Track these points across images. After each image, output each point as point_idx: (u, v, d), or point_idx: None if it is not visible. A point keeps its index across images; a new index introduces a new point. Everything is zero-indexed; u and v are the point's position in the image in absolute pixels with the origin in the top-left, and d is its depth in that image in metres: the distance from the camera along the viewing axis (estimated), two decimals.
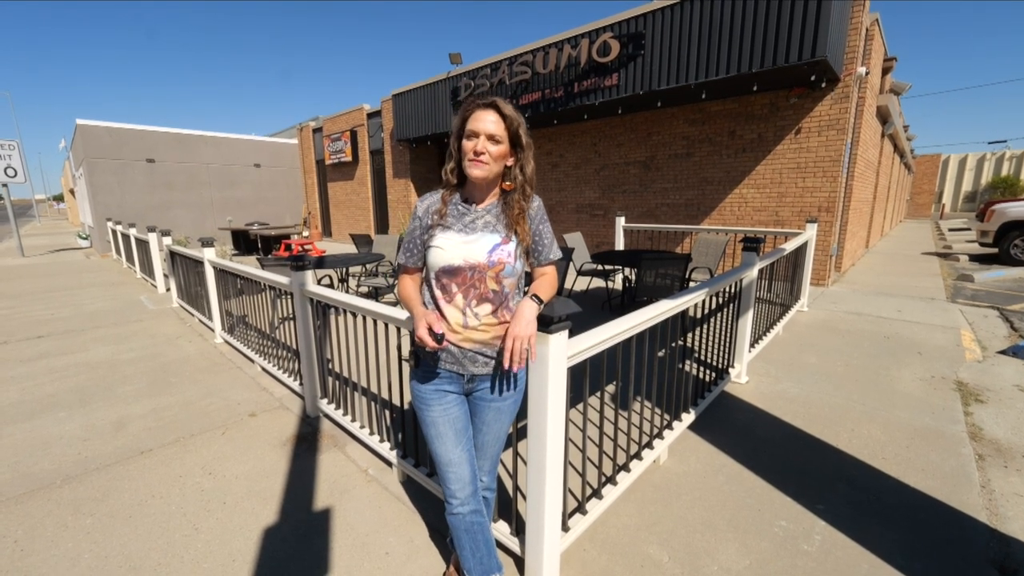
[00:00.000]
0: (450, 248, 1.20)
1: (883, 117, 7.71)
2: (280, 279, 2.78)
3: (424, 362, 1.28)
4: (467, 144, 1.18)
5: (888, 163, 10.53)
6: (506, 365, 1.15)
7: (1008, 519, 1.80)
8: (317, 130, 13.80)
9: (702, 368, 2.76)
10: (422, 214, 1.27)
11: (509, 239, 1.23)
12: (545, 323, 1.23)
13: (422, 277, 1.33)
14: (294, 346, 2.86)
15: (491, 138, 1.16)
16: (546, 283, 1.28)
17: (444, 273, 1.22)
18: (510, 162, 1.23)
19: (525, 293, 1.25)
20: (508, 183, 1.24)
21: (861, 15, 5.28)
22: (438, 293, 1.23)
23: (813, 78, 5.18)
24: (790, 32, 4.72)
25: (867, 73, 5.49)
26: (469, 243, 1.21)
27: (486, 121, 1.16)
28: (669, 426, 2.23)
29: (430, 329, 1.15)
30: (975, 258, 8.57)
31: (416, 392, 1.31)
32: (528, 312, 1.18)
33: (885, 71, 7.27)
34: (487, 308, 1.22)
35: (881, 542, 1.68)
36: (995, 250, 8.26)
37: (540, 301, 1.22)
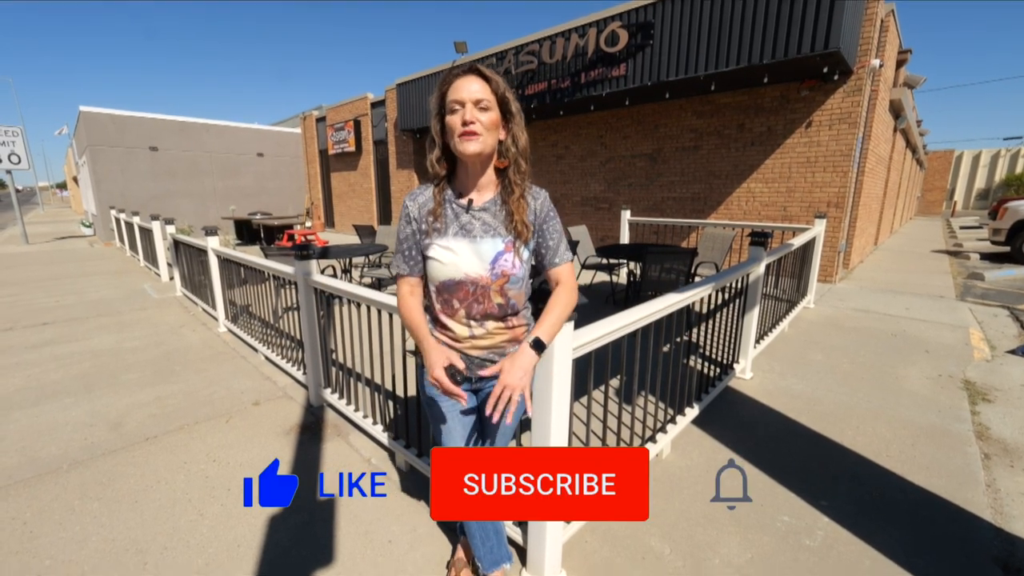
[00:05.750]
0: (449, 261, 1.08)
1: (896, 111, 7.56)
2: (284, 268, 2.77)
3: None
4: (452, 119, 1.01)
5: (900, 158, 10.36)
6: (487, 411, 1.00)
7: (1013, 518, 1.79)
8: (320, 119, 13.71)
9: (706, 363, 2.74)
10: (416, 215, 1.11)
11: (511, 244, 1.09)
12: None
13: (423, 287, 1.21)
14: (297, 336, 2.86)
15: (478, 104, 1.00)
16: (555, 312, 1.10)
17: (444, 288, 1.12)
18: (502, 135, 1.07)
19: (531, 321, 1.17)
20: (502, 160, 1.08)
21: (876, 6, 5.15)
22: (439, 306, 1.15)
23: (826, 70, 5.07)
24: (803, 23, 4.62)
25: (881, 66, 5.37)
26: (468, 254, 1.08)
27: (469, 88, 1.00)
28: (672, 420, 2.22)
29: (450, 367, 1.06)
30: (986, 256, 8.46)
31: (425, 388, 1.27)
32: (526, 362, 1.04)
33: (899, 64, 7.12)
34: (492, 322, 1.15)
35: (884, 539, 1.67)
36: (1007, 248, 8.16)
37: (542, 348, 1.06)
